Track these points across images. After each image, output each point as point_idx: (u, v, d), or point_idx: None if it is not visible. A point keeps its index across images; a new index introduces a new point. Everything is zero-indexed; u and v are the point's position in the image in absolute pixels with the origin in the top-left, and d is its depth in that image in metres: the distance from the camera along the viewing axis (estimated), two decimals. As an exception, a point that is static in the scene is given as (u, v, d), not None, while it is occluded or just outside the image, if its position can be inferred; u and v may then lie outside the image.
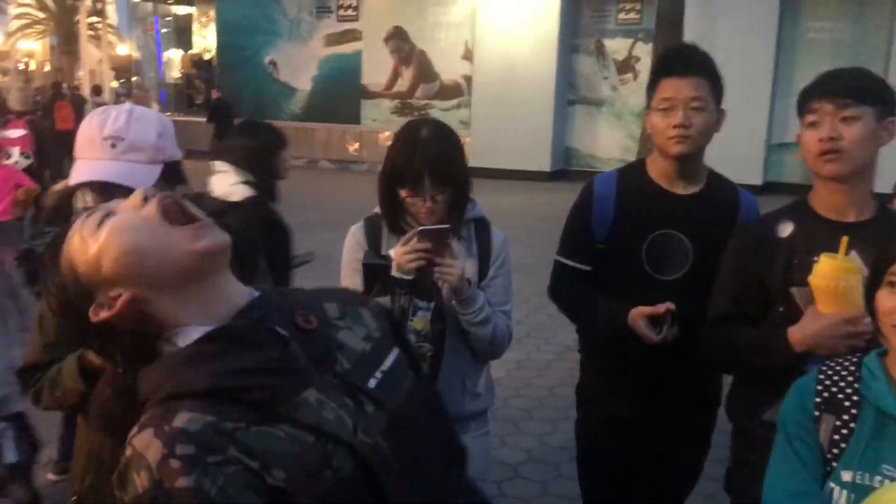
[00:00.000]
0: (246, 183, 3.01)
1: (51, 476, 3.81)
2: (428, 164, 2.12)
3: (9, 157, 7.87)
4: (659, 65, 2.36)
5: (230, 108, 15.92)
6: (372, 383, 1.13)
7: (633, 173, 2.44)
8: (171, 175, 1.92)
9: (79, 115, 13.26)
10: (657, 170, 2.36)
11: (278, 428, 1.01)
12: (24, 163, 7.86)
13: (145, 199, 1.10)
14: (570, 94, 16.23)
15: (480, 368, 2.35)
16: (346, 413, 1.06)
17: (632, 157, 11.50)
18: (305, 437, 1.02)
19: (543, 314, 6.55)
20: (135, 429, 1.00)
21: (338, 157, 17.87)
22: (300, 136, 18.02)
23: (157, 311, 1.08)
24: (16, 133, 8.07)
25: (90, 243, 1.08)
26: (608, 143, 15.88)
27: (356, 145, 17.85)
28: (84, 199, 2.82)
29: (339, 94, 18.16)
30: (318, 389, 1.06)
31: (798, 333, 1.91)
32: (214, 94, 17.25)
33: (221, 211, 2.76)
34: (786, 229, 2.05)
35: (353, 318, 1.21)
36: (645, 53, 14.87)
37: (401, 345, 1.27)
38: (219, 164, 3.10)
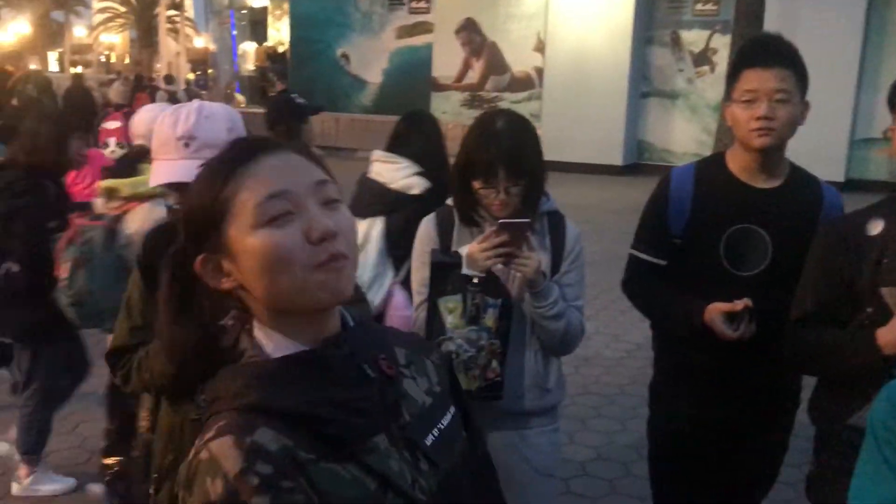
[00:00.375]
0: (420, 174, 3.10)
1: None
2: (502, 155, 2.10)
3: (107, 146, 8.14)
4: (742, 55, 2.31)
5: (292, 101, 16.10)
6: (429, 440, 1.09)
7: (711, 166, 2.39)
8: None
9: None
10: (737, 163, 2.30)
11: (345, 468, 0.99)
12: (119, 152, 8.24)
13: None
14: (643, 86, 15.94)
15: (551, 364, 2.33)
16: (406, 466, 1.04)
17: (707, 152, 11.25)
18: (368, 483, 0.99)
19: (615, 310, 6.47)
20: (211, 432, 0.97)
21: None
22: (370, 128, 18.13)
23: (252, 306, 1.06)
24: (113, 125, 8.34)
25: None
26: (683, 137, 15.55)
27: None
28: (106, 205, 2.99)
29: (410, 87, 18.15)
30: (388, 437, 1.04)
31: (888, 335, 1.83)
32: (279, 87, 17.50)
33: (401, 202, 3.01)
34: (876, 227, 1.97)
35: (418, 368, 1.17)
36: (723, 45, 14.48)
37: (457, 402, 1.21)
38: (386, 156, 3.17)
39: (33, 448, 3.72)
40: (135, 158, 3.26)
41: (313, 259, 0.99)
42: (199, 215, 1.04)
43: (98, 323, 3.07)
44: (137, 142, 3.39)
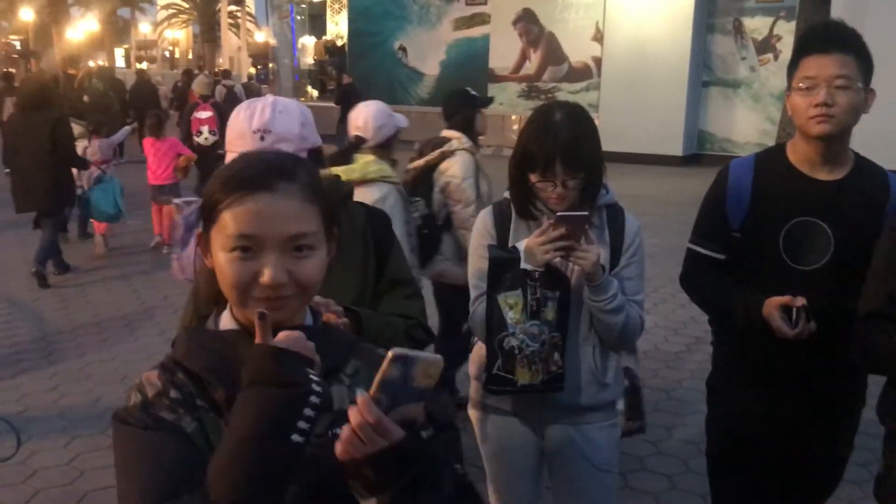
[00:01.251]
0: None
1: None
2: (560, 148, 2.08)
3: (199, 134, 9.19)
4: (801, 42, 2.24)
5: (359, 93, 16.28)
6: (337, 430, 1.09)
7: (772, 158, 2.33)
8: (315, 161, 1.97)
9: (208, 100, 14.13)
10: (798, 154, 2.25)
11: (225, 424, 1.13)
12: (212, 139, 9.16)
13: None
14: (704, 75, 15.67)
15: (610, 358, 2.31)
16: None
17: (770, 142, 11.01)
18: None
19: (674, 304, 6.41)
20: (150, 367, 1.24)
21: None
22: (426, 120, 18.06)
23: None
24: (205, 114, 9.34)
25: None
26: (745, 126, 15.24)
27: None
28: None
29: (466, 79, 17.81)
30: None
31: None
32: (346, 80, 17.68)
33: None
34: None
35: (359, 380, 1.24)
36: (787, 32, 14.14)
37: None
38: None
39: None
40: (350, 148, 3.47)
41: (255, 293, 1.17)
42: (205, 203, 1.22)
43: None
44: (354, 133, 3.59)
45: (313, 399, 1.06)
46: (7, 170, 12.34)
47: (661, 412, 4.62)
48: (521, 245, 2.12)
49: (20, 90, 8.55)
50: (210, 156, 8.96)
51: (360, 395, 1.07)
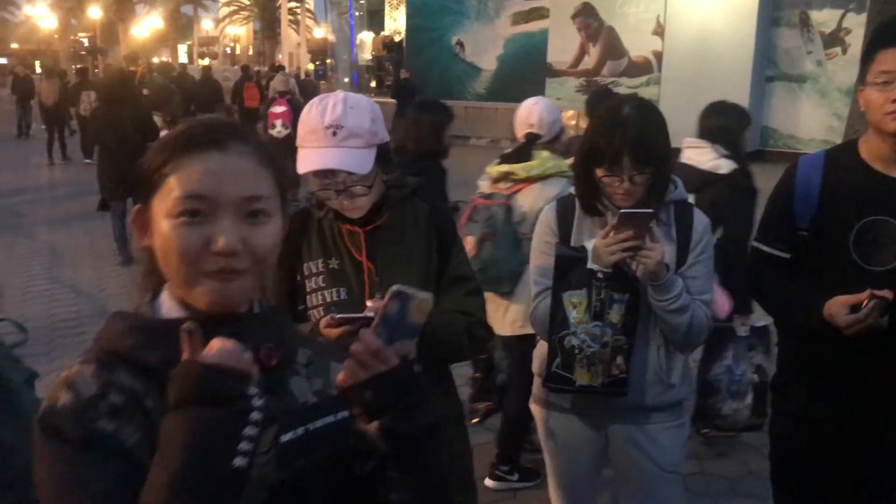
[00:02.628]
0: (727, 157, 3.60)
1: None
2: (628, 142, 2.04)
3: (274, 127, 9.55)
4: (877, 35, 2.16)
5: (415, 88, 16.42)
6: (287, 437, 1.05)
7: (843, 154, 2.25)
8: (383, 156, 1.99)
9: (263, 95, 15.19)
10: (871, 151, 2.16)
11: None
12: (284, 132, 9.46)
13: None
14: (768, 70, 15.34)
15: (675, 358, 2.27)
16: None
17: (837, 139, 10.68)
18: None
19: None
20: (81, 357, 1.07)
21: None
22: (484, 115, 18.17)
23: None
24: (279, 109, 9.76)
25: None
26: (810, 122, 14.86)
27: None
28: (494, 186, 3.47)
29: (524, 73, 18.02)
30: None
31: None
32: (403, 74, 17.81)
33: (707, 182, 3.49)
34: None
35: (317, 370, 1.21)
36: (857, 25, 13.70)
37: (373, 411, 1.16)
38: (695, 141, 3.72)
39: None
40: (526, 146, 3.61)
41: (204, 265, 1.04)
42: (144, 172, 1.09)
43: (496, 288, 3.45)
44: (525, 131, 3.72)
45: (254, 416, 0.95)
46: (87, 160, 13.61)
47: None
48: (590, 245, 2.10)
49: (104, 84, 9.04)
50: (283, 148, 9.04)
51: (363, 332, 1.17)
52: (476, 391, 4.44)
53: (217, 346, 0.98)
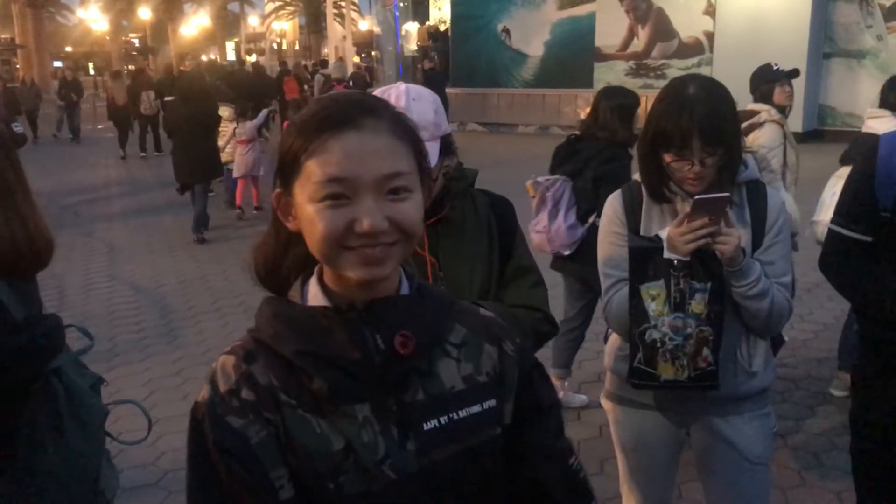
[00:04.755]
0: None
1: None
2: (697, 123, 1.94)
3: None
4: None
5: (445, 77, 16.71)
6: (430, 425, 1.08)
7: None
8: (447, 147, 1.96)
9: (301, 87, 16.21)
10: None
11: (318, 421, 1.05)
12: None
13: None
14: (825, 46, 14.91)
15: (757, 345, 2.18)
16: (384, 442, 1.06)
17: (901, 114, 10.27)
18: (334, 443, 1.05)
19: (799, 288, 6.01)
20: (230, 346, 1.11)
21: (568, 124, 17.34)
22: (531, 102, 18.07)
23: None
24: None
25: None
26: (870, 99, 14.22)
27: (588, 110, 17.32)
28: None
29: (572, 59, 17.85)
30: (371, 408, 1.06)
31: None
32: (427, 64, 17.85)
33: None
34: None
35: (469, 352, 1.16)
36: (920, -4, 13.25)
37: (522, 400, 1.17)
38: (877, 111, 3.93)
39: None
40: None
41: (349, 242, 1.03)
42: (282, 158, 1.08)
43: None
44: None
45: None
46: (157, 153, 14.73)
47: (790, 402, 4.39)
48: (664, 233, 2.02)
49: (183, 83, 9.99)
50: None
51: None
52: None
53: None
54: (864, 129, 3.75)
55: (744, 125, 4.08)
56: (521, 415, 1.17)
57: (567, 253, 4.09)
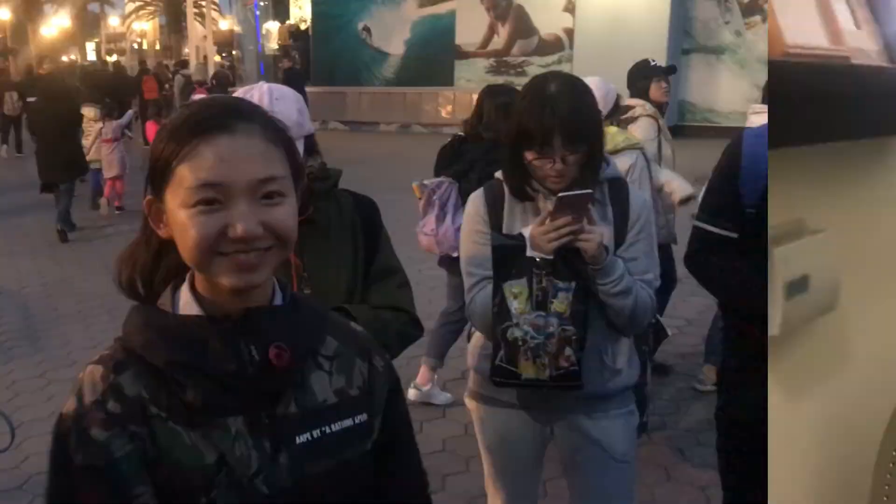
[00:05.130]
0: None
1: None
2: (559, 121, 1.99)
3: None
4: None
5: (304, 76, 16.91)
6: (302, 438, 1.09)
7: None
8: (310, 148, 2.00)
9: (162, 87, 16.83)
10: None
11: (189, 434, 1.03)
12: None
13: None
14: (685, 42, 15.29)
15: (620, 343, 2.24)
16: (257, 455, 1.05)
17: (757, 105, 10.29)
18: (206, 456, 1.03)
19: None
20: (97, 356, 1.08)
21: (430, 121, 17.43)
22: (392, 101, 18.26)
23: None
24: (199, 97, 10.84)
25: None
26: (730, 94, 14.85)
27: (449, 108, 17.38)
28: None
29: (432, 57, 18.05)
30: (244, 421, 1.06)
31: None
32: (286, 63, 17.77)
33: None
34: None
35: (341, 365, 1.18)
36: (773, -8, 13.44)
37: (386, 417, 1.20)
38: (760, 107, 3.91)
39: None
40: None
41: (223, 247, 1.02)
42: (154, 164, 1.06)
43: None
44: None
45: None
46: (17, 154, 14.97)
47: (655, 398, 4.24)
48: (527, 231, 2.07)
49: (46, 84, 10.42)
50: None
51: None
52: None
53: None
54: (748, 125, 3.65)
55: (621, 118, 4.21)
56: (389, 431, 1.21)
57: (456, 255, 3.97)
